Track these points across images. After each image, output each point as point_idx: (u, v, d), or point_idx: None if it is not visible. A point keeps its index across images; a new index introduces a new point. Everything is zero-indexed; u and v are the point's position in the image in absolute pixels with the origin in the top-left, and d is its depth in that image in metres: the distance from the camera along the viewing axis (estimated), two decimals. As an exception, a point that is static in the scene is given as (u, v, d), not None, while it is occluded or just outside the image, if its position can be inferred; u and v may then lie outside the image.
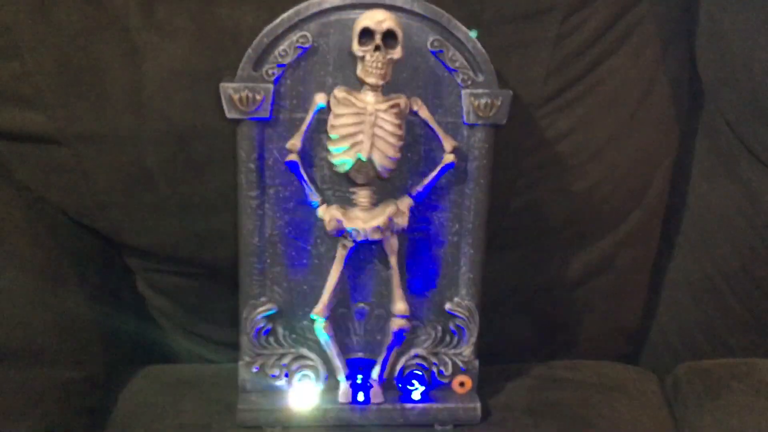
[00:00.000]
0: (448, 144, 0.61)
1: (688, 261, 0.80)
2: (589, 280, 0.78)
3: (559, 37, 0.66)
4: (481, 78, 0.61)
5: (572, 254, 0.76)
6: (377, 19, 0.57)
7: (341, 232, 0.61)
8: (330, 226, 0.61)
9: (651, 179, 0.75)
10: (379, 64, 0.57)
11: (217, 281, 0.74)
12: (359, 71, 0.58)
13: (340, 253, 0.63)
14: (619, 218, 0.76)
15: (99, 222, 0.70)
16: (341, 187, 0.63)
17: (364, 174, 0.60)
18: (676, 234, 0.81)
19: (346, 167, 0.60)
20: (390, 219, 0.61)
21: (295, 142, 0.60)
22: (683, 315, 0.82)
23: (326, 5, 0.59)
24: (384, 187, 0.62)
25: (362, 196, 0.61)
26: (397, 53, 0.58)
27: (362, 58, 0.57)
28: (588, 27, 0.67)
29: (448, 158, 0.62)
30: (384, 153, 0.59)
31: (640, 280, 0.81)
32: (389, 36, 0.57)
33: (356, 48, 0.57)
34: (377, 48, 0.57)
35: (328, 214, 0.61)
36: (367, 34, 0.57)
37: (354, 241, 0.62)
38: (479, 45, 0.60)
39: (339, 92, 0.59)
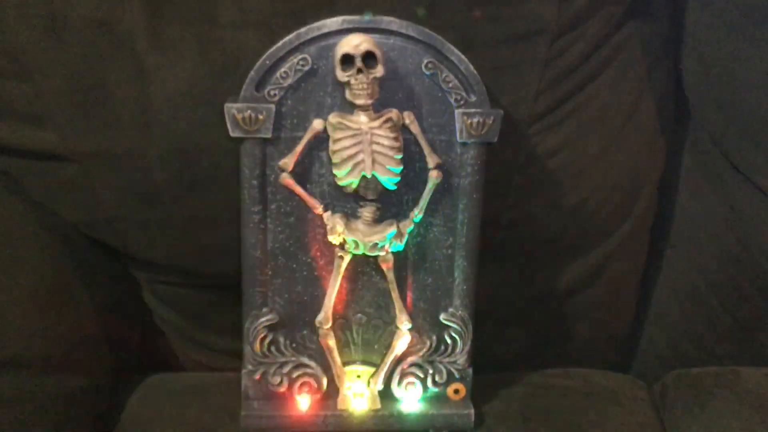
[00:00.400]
0: (431, 160, 0.64)
1: (676, 273, 0.82)
2: (580, 291, 0.79)
3: (549, 59, 0.68)
4: (473, 98, 0.63)
5: (563, 266, 0.78)
6: (354, 43, 0.59)
7: (340, 241, 0.64)
8: (332, 232, 0.64)
9: (639, 194, 0.77)
10: (365, 85, 0.60)
11: (221, 292, 0.76)
12: (348, 95, 0.61)
13: (338, 264, 0.65)
14: (608, 231, 0.77)
15: (107, 236, 0.72)
16: (340, 202, 0.65)
17: (372, 189, 0.63)
18: (664, 246, 0.83)
19: (353, 187, 0.62)
20: (388, 239, 0.64)
21: (288, 162, 0.63)
22: (671, 325, 0.84)
23: (325, 29, 0.61)
24: (388, 204, 0.65)
25: (367, 211, 0.64)
26: (378, 71, 0.60)
27: (348, 83, 0.60)
28: (576, 49, 0.69)
29: (433, 175, 0.64)
30: (386, 166, 0.62)
31: (629, 291, 0.83)
32: (369, 57, 0.59)
33: (340, 75, 0.60)
34: (359, 71, 0.59)
35: (331, 221, 0.64)
36: (347, 59, 0.60)
37: (350, 252, 0.64)
38: (471, 67, 0.63)
39: (333, 118, 0.62)
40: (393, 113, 0.62)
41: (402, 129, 0.63)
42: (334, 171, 0.62)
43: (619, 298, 0.83)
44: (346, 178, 0.62)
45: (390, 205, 0.65)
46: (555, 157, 0.72)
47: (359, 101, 0.60)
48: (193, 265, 0.74)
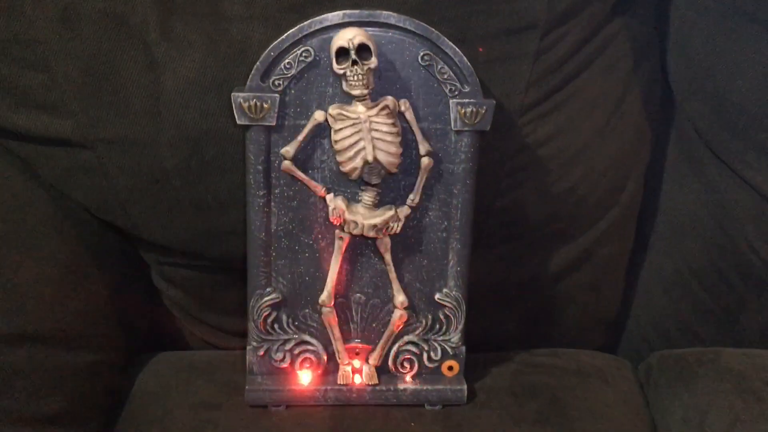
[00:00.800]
0: (423, 147, 0.67)
1: (661, 257, 0.85)
2: (569, 274, 0.82)
3: (539, 52, 0.70)
4: (467, 89, 0.66)
5: (553, 250, 0.80)
6: (347, 37, 0.62)
7: (341, 223, 0.67)
8: (334, 214, 0.67)
9: (626, 181, 0.80)
10: (360, 76, 0.63)
11: (227, 274, 0.79)
12: (345, 87, 0.64)
13: (338, 246, 0.69)
14: (596, 217, 0.80)
15: (119, 219, 0.75)
16: (340, 186, 0.68)
17: (376, 174, 0.66)
18: (650, 232, 0.85)
19: (357, 173, 0.65)
20: (386, 222, 0.67)
21: (289, 149, 0.66)
22: (656, 307, 0.86)
23: (327, 23, 0.64)
24: (386, 190, 0.68)
25: (368, 195, 0.67)
26: (372, 63, 0.63)
27: (344, 75, 0.63)
28: (565, 43, 0.71)
29: (424, 161, 0.67)
30: (386, 151, 0.65)
31: (617, 274, 0.85)
32: (363, 49, 0.62)
33: (336, 67, 0.63)
34: (354, 63, 0.62)
35: (333, 203, 0.67)
36: (342, 52, 0.63)
37: (350, 233, 0.67)
38: (465, 59, 0.66)
39: (333, 110, 0.65)
40: (389, 101, 0.65)
41: (399, 116, 0.66)
42: (338, 159, 0.65)
43: (607, 281, 0.85)
44: (350, 164, 0.65)
45: (388, 191, 0.68)
46: (545, 146, 0.74)
47: (356, 92, 0.64)
48: (200, 247, 0.76)
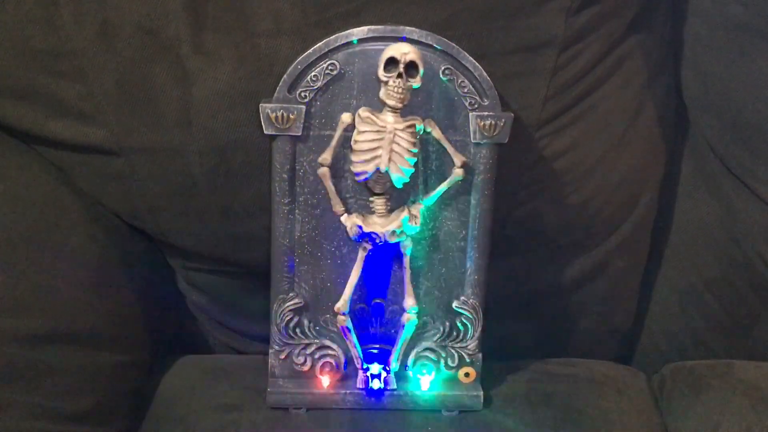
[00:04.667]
0: (458, 160, 0.68)
1: (675, 270, 0.85)
2: (583, 286, 0.83)
3: (556, 68, 0.72)
4: (486, 102, 0.68)
5: (568, 261, 0.81)
6: (402, 51, 0.64)
7: (362, 237, 0.69)
8: (352, 232, 0.68)
9: (640, 195, 0.80)
10: (400, 90, 0.64)
11: (250, 280, 0.81)
12: (382, 94, 0.65)
13: (360, 255, 0.70)
14: (610, 229, 0.81)
15: (148, 224, 0.77)
16: (362, 196, 0.70)
17: (381, 184, 0.68)
18: (664, 245, 0.86)
19: (365, 177, 0.67)
20: (404, 222, 0.69)
21: (327, 156, 0.68)
22: (670, 319, 0.87)
23: (352, 38, 0.66)
24: (399, 197, 0.69)
25: (379, 204, 0.68)
26: (416, 82, 0.64)
27: (386, 83, 0.64)
28: (582, 59, 0.73)
29: (458, 172, 0.69)
30: (398, 165, 0.66)
31: (631, 286, 0.86)
32: (411, 66, 0.64)
33: (381, 73, 0.64)
34: (400, 75, 0.64)
35: (350, 222, 0.69)
36: (392, 62, 0.64)
37: (373, 244, 0.69)
38: (485, 74, 0.67)
39: (363, 112, 0.66)
40: (417, 121, 0.66)
41: (425, 134, 0.67)
42: (352, 157, 0.66)
43: (621, 293, 0.85)
44: (362, 167, 0.66)
45: (406, 198, 0.70)
46: (561, 159, 0.75)
47: (391, 102, 0.65)
48: (225, 253, 0.78)
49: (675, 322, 0.86)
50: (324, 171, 0.68)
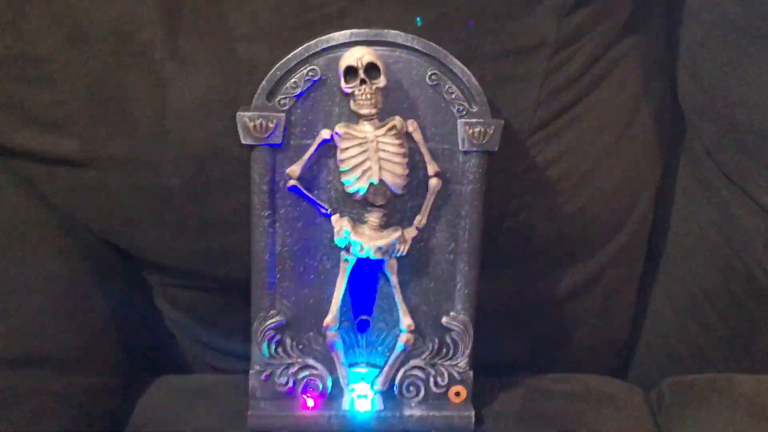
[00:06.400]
0: (431, 168, 0.66)
1: (672, 279, 0.83)
2: (578, 297, 0.81)
3: (548, 72, 0.70)
4: (475, 108, 0.66)
5: (561, 272, 0.79)
6: (356, 56, 0.62)
7: (346, 244, 0.66)
8: (338, 234, 0.66)
9: (636, 202, 0.79)
10: (368, 96, 0.62)
11: (230, 296, 0.78)
12: (352, 106, 0.63)
13: (343, 267, 0.68)
14: (605, 239, 0.79)
15: (122, 239, 0.74)
16: (346, 207, 0.67)
17: (381, 195, 0.65)
18: (660, 254, 0.84)
19: (362, 193, 0.64)
20: (392, 244, 0.66)
21: (295, 169, 0.65)
22: (667, 331, 0.85)
23: (334, 42, 0.64)
24: (393, 211, 0.67)
25: (374, 216, 0.66)
26: (381, 82, 0.62)
27: (352, 94, 0.63)
28: (575, 62, 0.71)
29: (432, 182, 0.66)
30: (393, 172, 0.64)
31: (627, 297, 0.84)
32: (371, 68, 0.62)
33: (344, 86, 0.63)
34: (362, 82, 0.62)
35: (339, 224, 0.66)
36: (351, 71, 0.62)
37: (355, 255, 0.66)
38: (474, 79, 0.65)
39: (340, 128, 0.64)
40: (396, 121, 0.64)
41: (406, 136, 0.65)
42: (343, 179, 0.65)
43: (616, 304, 0.84)
44: (355, 185, 0.64)
45: (395, 212, 0.67)
46: (554, 166, 0.73)
47: (363, 111, 0.63)
48: (204, 268, 0.76)
49: (672, 333, 0.84)
50: (293, 184, 0.65)
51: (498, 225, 0.75)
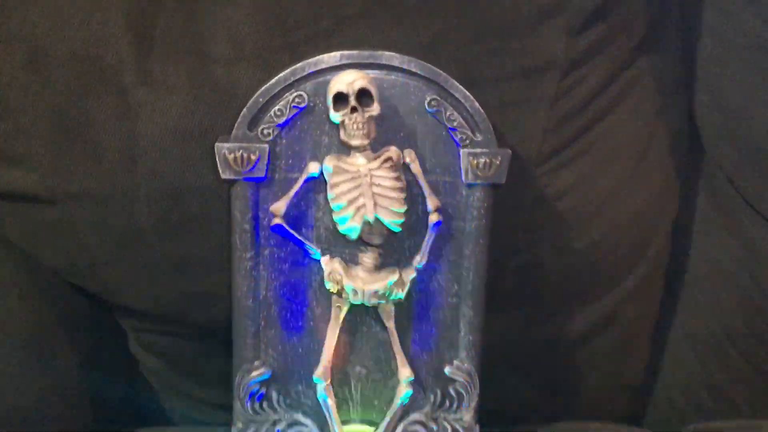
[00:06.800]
0: (431, 203, 0.60)
1: (691, 317, 0.79)
2: (591, 338, 0.76)
3: (557, 95, 0.65)
4: (479, 137, 0.60)
5: (574, 312, 0.74)
6: (347, 81, 0.56)
7: (338, 288, 0.60)
8: (330, 278, 0.60)
9: (652, 236, 0.74)
10: (360, 125, 0.57)
11: (211, 342, 0.72)
12: (343, 136, 0.58)
13: (335, 314, 0.62)
14: (621, 275, 0.74)
15: (90, 282, 0.69)
16: (338, 247, 0.61)
17: (377, 234, 0.59)
18: (679, 290, 0.79)
19: (356, 233, 0.59)
20: (389, 287, 0.60)
21: (280, 206, 0.59)
22: (687, 373, 0.80)
23: (322, 65, 0.58)
24: (389, 250, 0.61)
25: (368, 257, 0.60)
26: (374, 110, 0.57)
27: (342, 123, 0.57)
28: (586, 84, 0.66)
29: (433, 218, 0.60)
30: (389, 209, 0.58)
31: (643, 337, 0.79)
32: (363, 94, 0.57)
33: (333, 114, 0.57)
34: (354, 110, 0.56)
35: (330, 266, 0.60)
36: (341, 98, 0.57)
37: (349, 301, 0.61)
38: (477, 104, 0.59)
39: (330, 161, 0.58)
40: (392, 152, 0.59)
41: (403, 168, 0.60)
42: (335, 218, 0.59)
43: (632, 345, 0.79)
44: (348, 224, 0.59)
45: (391, 251, 0.62)
46: (565, 199, 0.69)
47: (355, 142, 0.57)
48: (181, 313, 0.70)
49: (693, 376, 0.80)
50: (278, 222, 0.60)
51: (504, 263, 0.70)
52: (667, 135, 0.73)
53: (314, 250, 0.60)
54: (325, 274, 0.60)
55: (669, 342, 0.81)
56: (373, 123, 0.57)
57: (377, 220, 0.58)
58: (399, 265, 0.61)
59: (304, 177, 0.59)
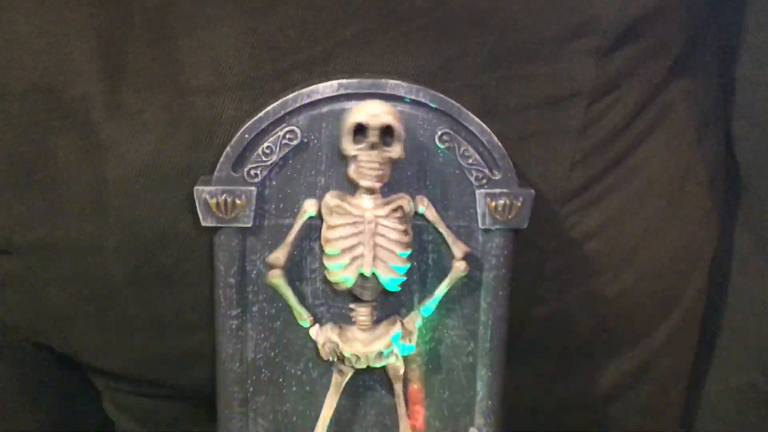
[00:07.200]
0: (458, 250, 0.53)
1: (731, 367, 0.71)
2: (622, 394, 0.68)
3: (585, 125, 0.57)
4: (497, 175, 0.53)
5: (602, 366, 0.67)
6: (372, 112, 0.49)
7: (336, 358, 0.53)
8: (325, 351, 0.53)
9: (689, 278, 0.66)
10: (376, 165, 0.49)
11: (194, 403, 0.65)
12: (351, 172, 0.50)
13: (336, 380, 0.54)
14: (653, 324, 0.66)
15: (55, 342, 0.61)
16: (337, 302, 0.54)
17: (370, 290, 0.52)
18: (717, 337, 0.71)
19: (348, 285, 0.52)
20: (394, 340, 0.53)
21: (279, 256, 0.52)
22: (725, 426, 0.72)
23: (317, 96, 0.51)
24: (387, 302, 0.54)
25: (362, 314, 0.53)
26: (395, 152, 0.50)
27: (355, 158, 0.50)
28: (616, 112, 0.58)
29: (459, 267, 0.53)
30: (388, 264, 0.51)
31: (678, 390, 0.71)
32: (387, 132, 0.49)
33: (348, 146, 0.50)
34: (373, 146, 0.49)
35: (322, 336, 0.53)
36: (360, 130, 0.49)
37: (352, 367, 0.53)
38: (495, 138, 0.52)
39: (331, 199, 0.51)
40: (404, 201, 0.51)
41: (416, 216, 0.53)
42: (326, 263, 0.52)
43: (667, 400, 0.71)
44: (341, 274, 0.51)
45: (397, 305, 0.54)
46: (593, 240, 0.61)
47: (365, 183, 0.50)
48: (160, 376, 0.62)
49: (731, 429, 0.71)
50: (276, 275, 0.52)
51: (526, 313, 0.62)
52: (705, 166, 0.65)
53: (304, 318, 0.53)
54: (319, 346, 0.53)
55: (704, 391, 0.73)
56: (390, 166, 0.50)
57: (373, 275, 0.51)
58: (397, 312, 0.54)
59: (301, 219, 0.52)
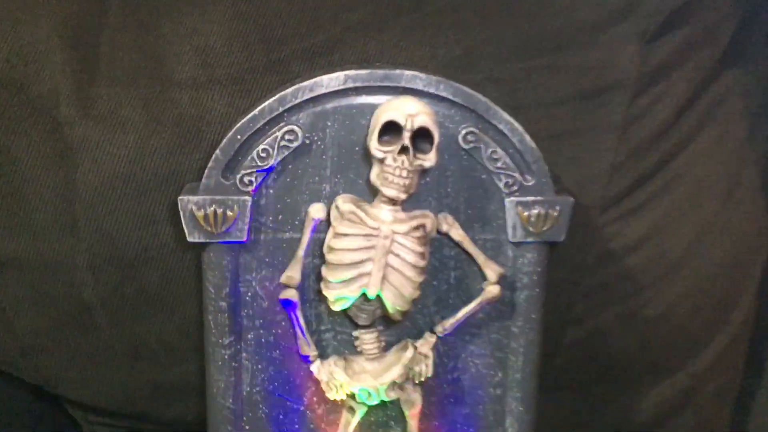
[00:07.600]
0: (491, 272, 0.47)
1: None
2: (664, 421, 0.64)
3: (628, 122, 0.53)
4: (530, 181, 0.47)
5: (644, 391, 0.63)
6: (407, 111, 0.43)
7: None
8: (330, 387, 0.47)
9: (739, 293, 0.61)
10: (405, 172, 0.43)
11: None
12: (374, 176, 0.44)
13: (346, 419, 0.48)
14: (700, 345, 0.62)
15: (25, 371, 0.56)
16: (344, 328, 0.48)
17: (367, 314, 0.46)
18: (764, 353, 0.66)
19: (345, 305, 0.45)
20: (408, 370, 0.46)
21: (292, 275, 0.46)
22: (775, 456, 0.67)
23: (321, 90, 0.45)
24: (397, 325, 0.48)
25: (368, 341, 0.47)
26: (429, 160, 0.44)
27: (382, 161, 0.44)
28: (663, 107, 0.54)
29: (492, 291, 0.46)
30: (398, 290, 0.45)
31: (723, 413, 0.66)
32: (421, 135, 0.43)
33: (375, 146, 0.43)
34: (404, 150, 0.43)
35: (325, 372, 0.47)
36: (391, 129, 0.43)
37: (363, 404, 0.47)
38: (528, 138, 0.46)
39: (344, 203, 0.45)
40: (428, 220, 0.45)
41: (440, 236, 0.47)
42: (326, 274, 0.46)
43: (714, 424, 0.66)
44: (340, 290, 0.45)
45: (409, 329, 0.48)
46: (634, 254, 0.57)
47: (389, 192, 0.44)
48: (142, 409, 0.58)
49: None
50: (291, 295, 0.46)
51: (560, 336, 0.57)
52: (757, 168, 0.60)
53: (307, 351, 0.47)
54: (323, 383, 0.47)
55: (754, 418, 0.68)
56: (419, 176, 0.44)
57: (378, 297, 0.45)
58: (407, 334, 0.48)
59: (309, 228, 0.46)
